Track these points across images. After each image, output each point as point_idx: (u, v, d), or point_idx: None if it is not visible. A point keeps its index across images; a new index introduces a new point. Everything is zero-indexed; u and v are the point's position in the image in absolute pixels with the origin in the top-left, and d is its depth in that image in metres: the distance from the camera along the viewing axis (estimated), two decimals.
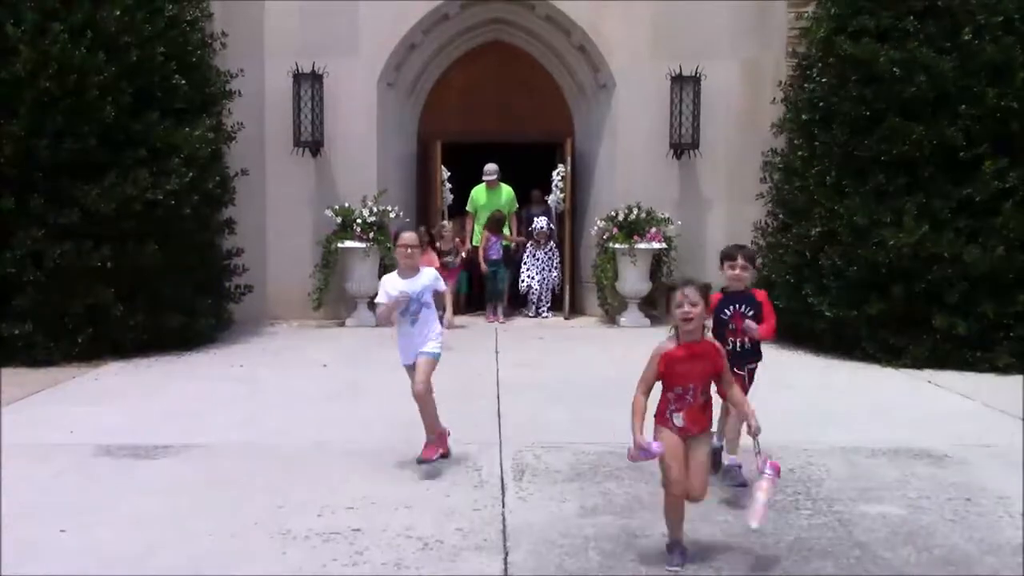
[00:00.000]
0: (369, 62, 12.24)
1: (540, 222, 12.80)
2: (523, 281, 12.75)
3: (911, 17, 9.24)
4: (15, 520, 4.61)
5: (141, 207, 9.07)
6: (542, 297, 12.78)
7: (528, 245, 12.80)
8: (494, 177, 12.71)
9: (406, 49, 12.52)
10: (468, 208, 12.92)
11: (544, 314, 12.70)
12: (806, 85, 10.16)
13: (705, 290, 4.28)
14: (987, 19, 9.01)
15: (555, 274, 12.79)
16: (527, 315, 12.73)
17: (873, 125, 9.33)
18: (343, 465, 5.66)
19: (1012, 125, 8.97)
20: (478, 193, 12.85)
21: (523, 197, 13.42)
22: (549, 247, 12.81)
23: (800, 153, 10.13)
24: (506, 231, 12.88)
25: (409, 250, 5.73)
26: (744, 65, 12.30)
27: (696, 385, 4.21)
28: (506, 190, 12.80)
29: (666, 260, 12.04)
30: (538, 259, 12.75)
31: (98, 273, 8.97)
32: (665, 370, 4.23)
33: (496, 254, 12.49)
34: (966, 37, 9.00)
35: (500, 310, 12.42)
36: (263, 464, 5.69)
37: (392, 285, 5.67)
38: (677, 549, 4.22)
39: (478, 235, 12.68)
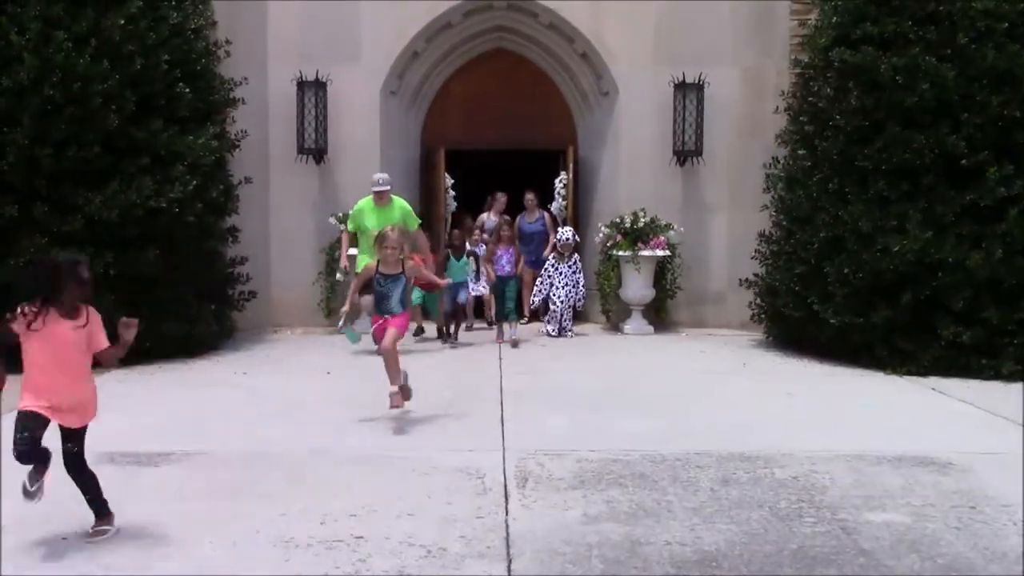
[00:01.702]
0: (372, 70, 12.27)
1: (565, 233, 11.90)
2: (539, 295, 11.88)
3: (910, 23, 9.23)
4: (17, 527, 4.61)
5: (144, 215, 9.09)
6: (564, 313, 11.72)
7: (551, 257, 11.85)
8: (386, 188, 10.00)
9: (409, 57, 12.55)
10: (347, 226, 10.39)
11: (568, 332, 11.68)
12: (809, 99, 10.16)
13: None
14: (989, 25, 8.98)
15: (580, 289, 11.85)
16: (549, 334, 11.66)
17: (874, 134, 9.33)
18: (345, 472, 5.65)
19: (1016, 134, 8.91)
20: (364, 209, 10.09)
21: (517, 203, 13.08)
22: (573, 260, 11.84)
23: (803, 161, 10.13)
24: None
25: None
26: (747, 72, 12.32)
27: None
28: (399, 206, 10.07)
29: (670, 267, 12.03)
30: (562, 273, 11.73)
31: (101, 280, 8.98)
32: None
33: (503, 270, 11.51)
34: (963, 42, 8.95)
35: (511, 331, 11.07)
36: (265, 471, 5.68)
37: None
38: None
39: (365, 259, 9.30)
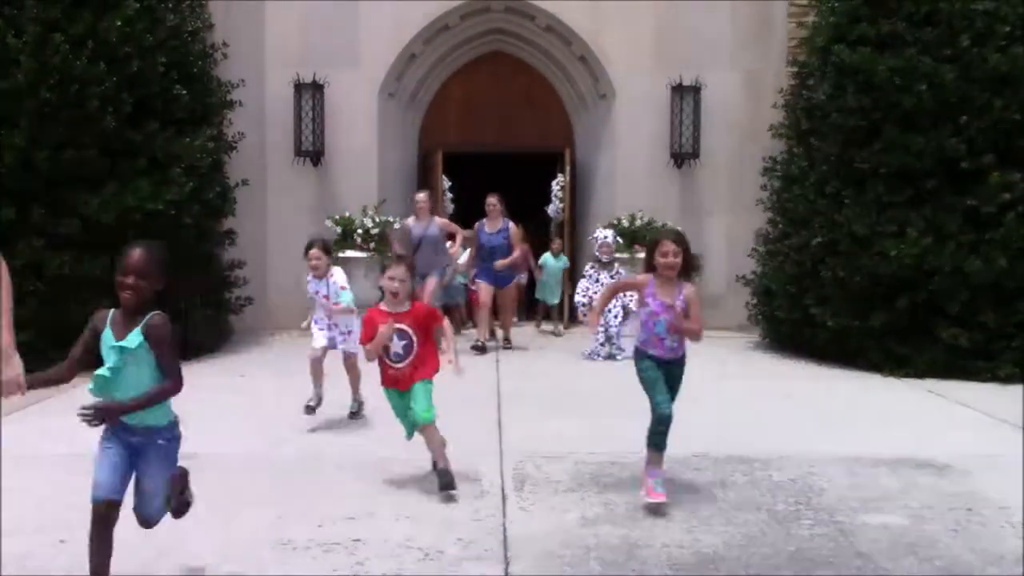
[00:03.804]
0: (370, 72, 12.28)
1: (604, 234, 10.29)
2: (581, 307, 10.18)
3: (905, 24, 9.22)
4: (15, 530, 4.60)
5: (141, 217, 9.08)
6: (611, 332, 10.02)
7: (588, 267, 10.38)
8: None
9: (406, 59, 12.56)
10: None
11: (621, 354, 9.74)
12: (804, 93, 10.19)
13: None
14: (989, 27, 8.96)
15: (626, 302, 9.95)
16: (593, 357, 10.01)
17: (871, 135, 9.32)
18: (343, 475, 5.65)
19: (1018, 138, 8.90)
20: None
21: (516, 207, 12.43)
22: (615, 270, 10.18)
23: (799, 160, 10.14)
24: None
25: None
26: (745, 75, 12.34)
27: None
28: None
29: None
30: (602, 284, 9.89)
31: (98, 283, 8.97)
32: None
33: (663, 348, 5.13)
34: (964, 45, 8.92)
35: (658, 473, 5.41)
36: (263, 474, 5.67)
37: None
38: None
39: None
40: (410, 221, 10.64)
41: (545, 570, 4.22)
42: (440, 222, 10.64)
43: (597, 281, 10.14)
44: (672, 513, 4.98)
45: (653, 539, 4.57)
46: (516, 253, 10.61)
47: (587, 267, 10.48)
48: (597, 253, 10.25)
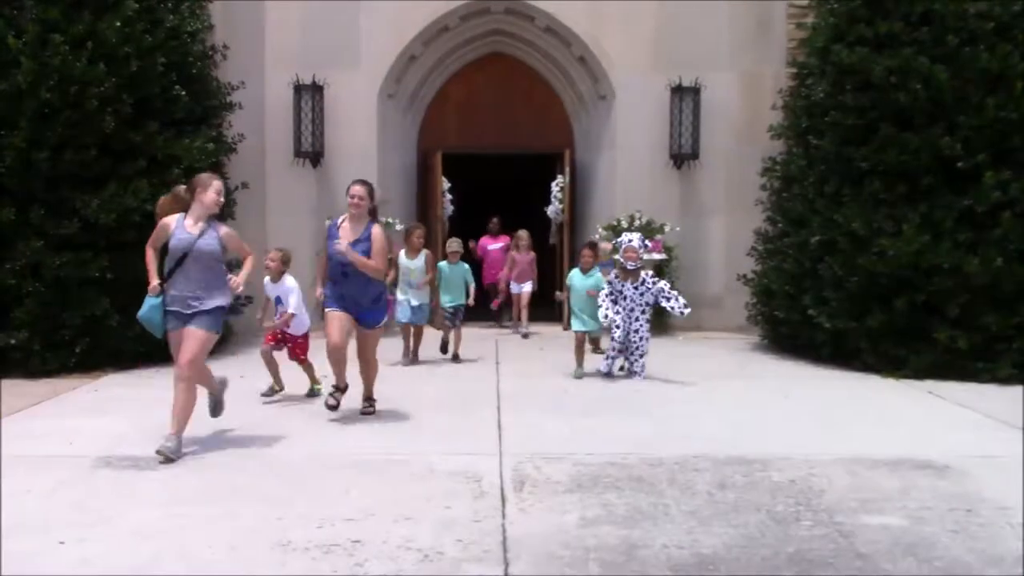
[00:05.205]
0: (369, 73, 12.29)
1: (628, 237, 8.97)
2: (608, 319, 8.82)
3: (902, 24, 9.22)
4: (14, 531, 4.60)
5: (141, 218, 9.08)
6: (635, 351, 8.93)
7: (612, 274, 9.02)
8: None
9: (406, 61, 12.56)
10: None
11: (641, 374, 8.90)
12: (803, 93, 10.21)
13: None
14: (980, 27, 8.96)
15: (676, 304, 8.83)
16: (605, 374, 9.01)
17: (869, 134, 9.34)
18: (342, 476, 5.64)
19: (1013, 138, 8.90)
20: None
21: (511, 218, 12.85)
22: (640, 279, 8.82)
23: (798, 160, 10.16)
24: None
25: None
26: (744, 77, 12.35)
27: None
28: None
29: (667, 271, 12.04)
30: (626, 296, 8.83)
31: (97, 283, 8.98)
32: None
33: None
34: (953, 44, 8.92)
35: None
36: (263, 475, 5.67)
37: None
38: None
39: None
40: (170, 219, 6.34)
41: (545, 571, 4.22)
42: (225, 233, 6.46)
43: (622, 292, 8.83)
44: (672, 513, 4.98)
45: (653, 539, 4.57)
46: (375, 265, 6.97)
47: (610, 275, 9.05)
48: (621, 259, 8.84)
